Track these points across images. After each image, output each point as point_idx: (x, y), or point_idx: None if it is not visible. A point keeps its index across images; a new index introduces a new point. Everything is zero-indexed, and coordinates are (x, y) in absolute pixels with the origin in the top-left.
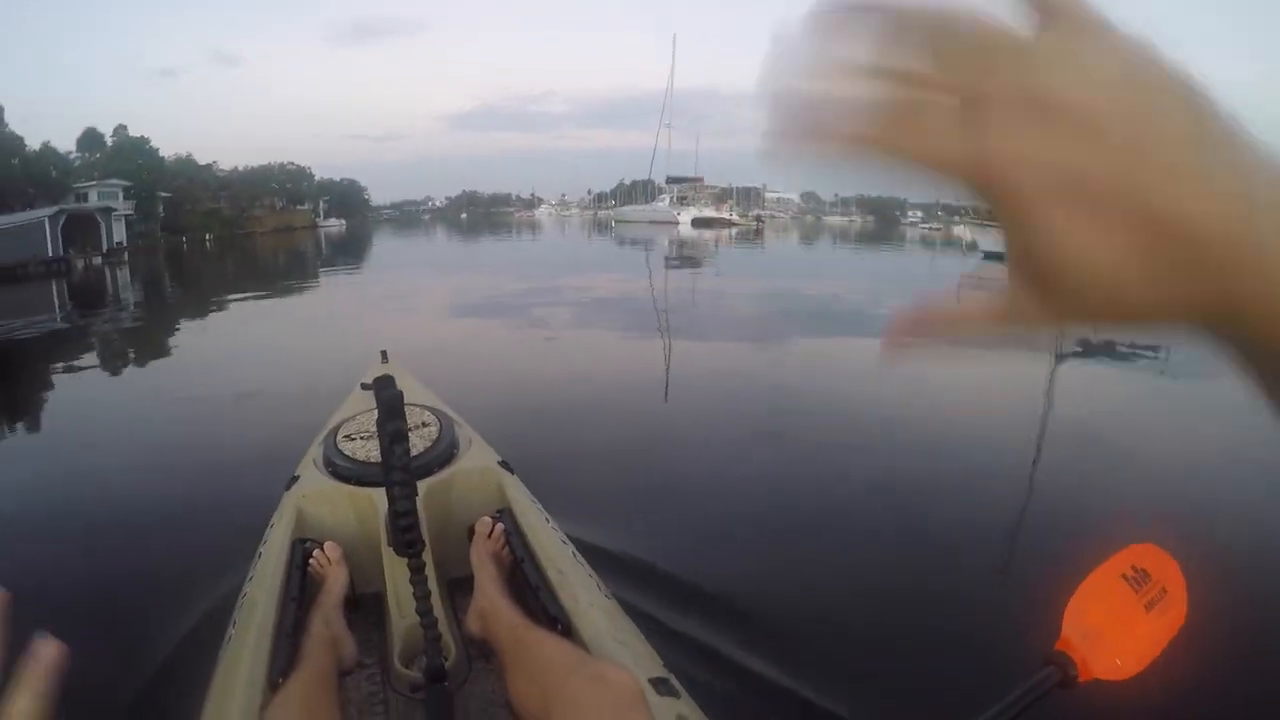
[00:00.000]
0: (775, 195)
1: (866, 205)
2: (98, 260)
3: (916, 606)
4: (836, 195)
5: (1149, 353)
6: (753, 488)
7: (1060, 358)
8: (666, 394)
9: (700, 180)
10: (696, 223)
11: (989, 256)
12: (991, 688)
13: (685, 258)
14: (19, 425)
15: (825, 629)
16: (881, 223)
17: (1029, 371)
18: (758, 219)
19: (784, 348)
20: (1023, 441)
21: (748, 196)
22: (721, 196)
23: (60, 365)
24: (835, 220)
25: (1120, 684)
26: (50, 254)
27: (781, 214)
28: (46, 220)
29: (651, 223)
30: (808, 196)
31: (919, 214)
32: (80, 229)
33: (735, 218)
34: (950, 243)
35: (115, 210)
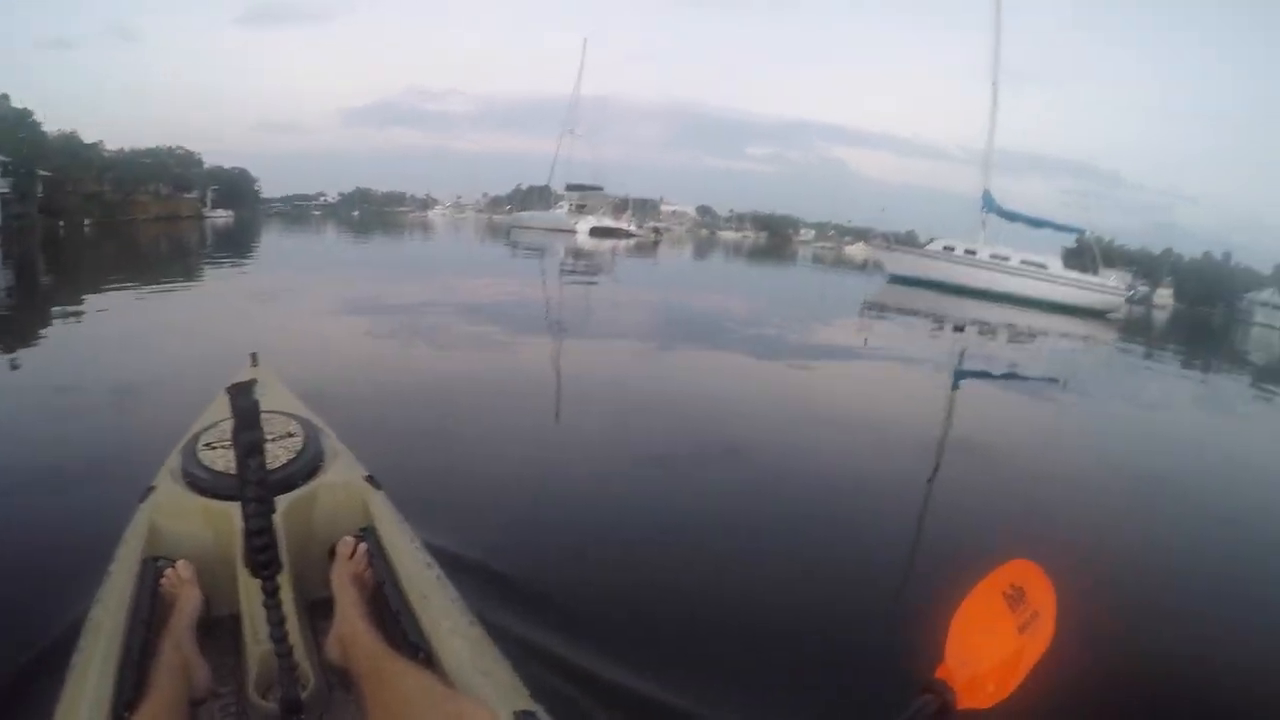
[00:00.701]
0: (671, 208)
1: (760, 221)
2: None
3: (802, 630)
4: (731, 210)
5: (1047, 379)
6: (636, 506)
7: (959, 376)
8: (556, 410)
9: (600, 189)
10: (595, 232)
11: (896, 280)
12: (872, 717)
13: (581, 268)
14: None
15: (705, 654)
16: (774, 239)
17: (924, 388)
18: (655, 231)
19: (675, 362)
20: (917, 459)
21: (644, 208)
22: (620, 207)
23: None
24: (729, 235)
25: (990, 710)
26: None
27: (677, 226)
28: None
29: (549, 230)
30: (703, 210)
31: (811, 232)
32: None
33: (633, 229)
34: (841, 261)
35: None
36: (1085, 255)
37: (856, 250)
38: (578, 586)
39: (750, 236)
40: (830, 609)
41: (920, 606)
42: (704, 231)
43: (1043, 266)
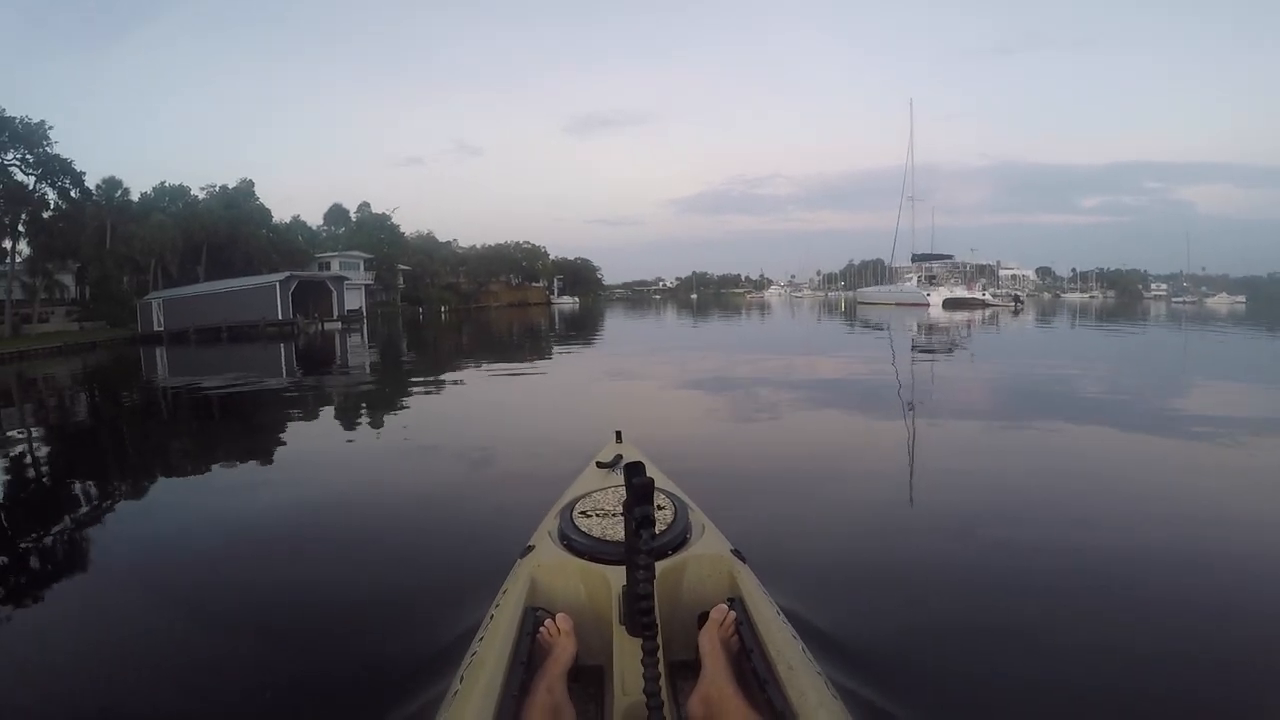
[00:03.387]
0: (1010, 272)
1: (1105, 279)
2: (334, 325)
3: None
4: (1074, 270)
5: None
6: (1006, 597)
7: None
8: (910, 493)
9: (950, 257)
10: (949, 304)
11: None
12: None
13: (942, 345)
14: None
15: None
16: (1123, 296)
17: None
18: (1016, 299)
19: (1054, 448)
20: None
21: (981, 274)
22: (971, 275)
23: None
24: (1074, 297)
25: None
26: (279, 317)
27: (1019, 291)
28: (278, 285)
29: (898, 304)
30: (1043, 272)
31: (1164, 286)
32: (312, 295)
33: (988, 298)
34: (1204, 315)
35: (348, 279)
36: None
37: (1219, 302)
38: (933, 662)
39: (1098, 296)
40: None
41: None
42: (1047, 294)
43: None
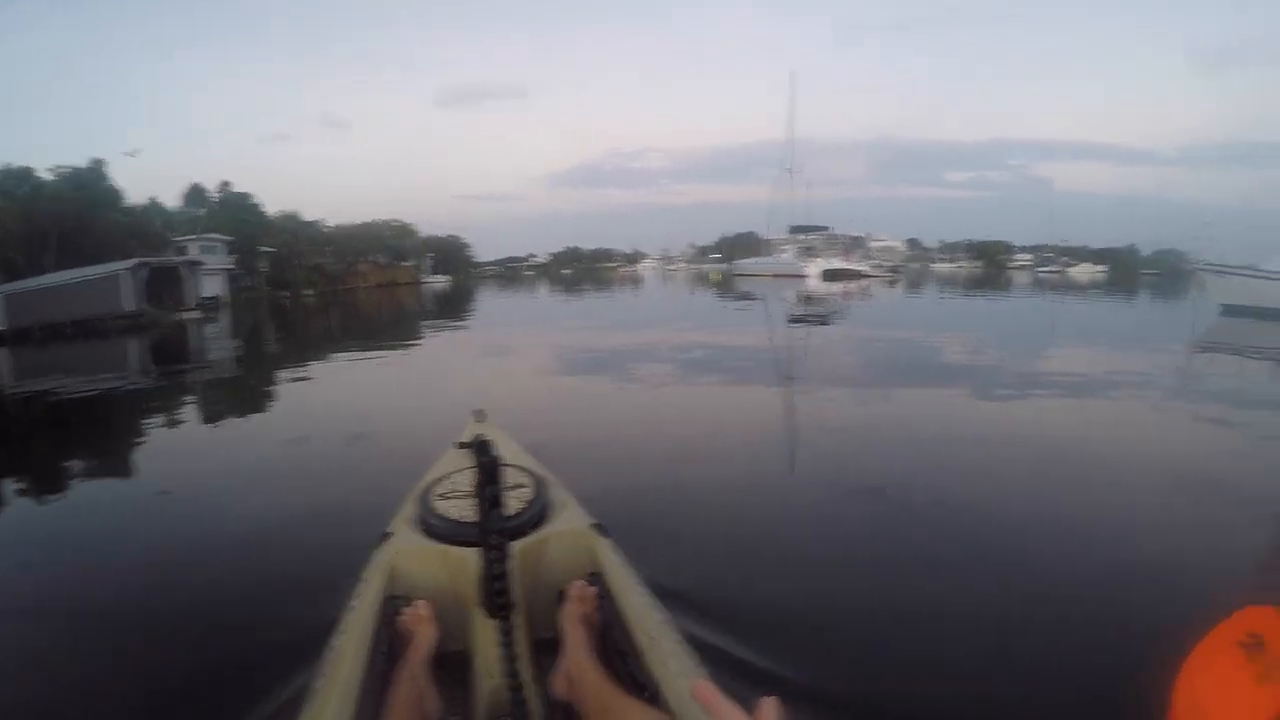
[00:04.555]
0: (879, 243)
1: (972, 249)
2: (191, 314)
3: (1020, 688)
4: (941, 241)
5: None
6: (861, 550)
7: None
8: (784, 461)
9: (826, 229)
10: (827, 275)
11: (1231, 312)
12: None
13: (819, 315)
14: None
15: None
16: (989, 266)
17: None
18: (893, 269)
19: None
20: (1142, 492)
21: (856, 245)
22: (848, 246)
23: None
24: (943, 267)
25: None
26: (131, 307)
27: (889, 261)
28: (123, 273)
29: (775, 276)
30: (912, 243)
31: (1028, 257)
32: (166, 283)
33: (867, 269)
34: (1069, 285)
35: (204, 264)
36: None
37: (1081, 271)
38: (801, 628)
39: (965, 266)
40: (1048, 659)
41: (1141, 658)
42: (915, 265)
43: None
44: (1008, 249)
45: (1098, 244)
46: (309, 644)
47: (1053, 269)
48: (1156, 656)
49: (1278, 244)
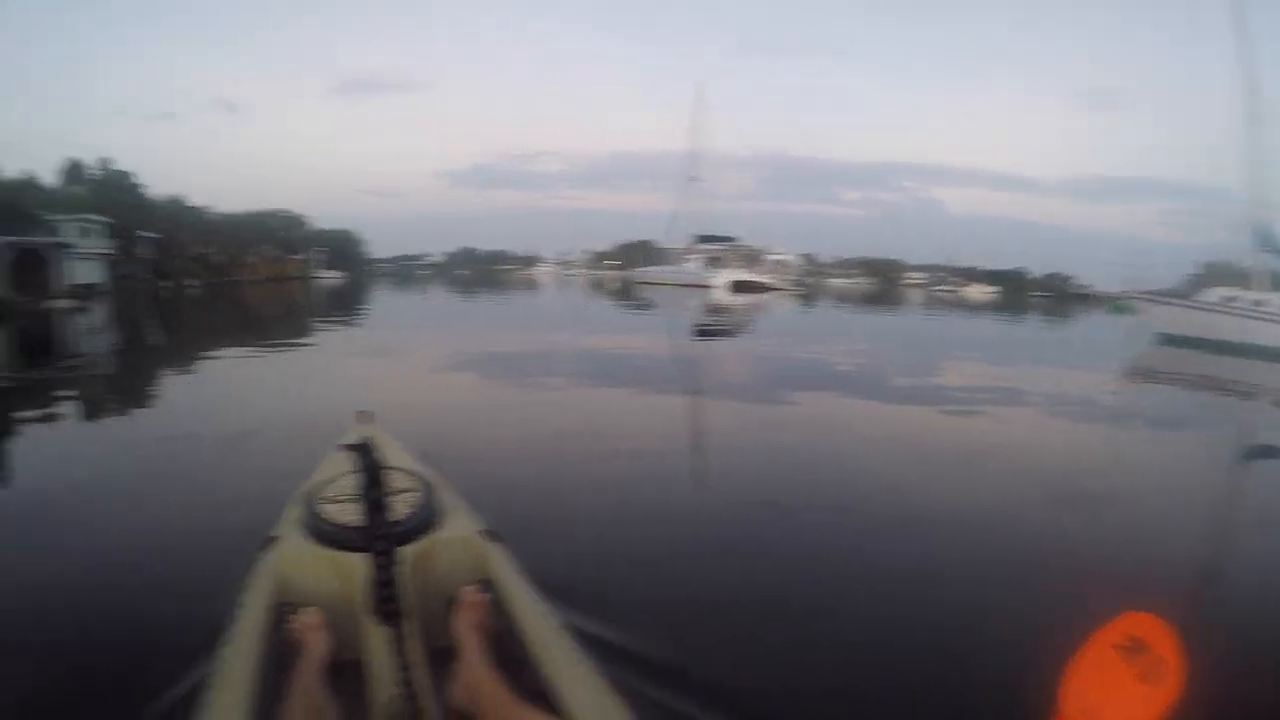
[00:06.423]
0: (775, 256)
1: (867, 266)
2: (62, 302)
3: (913, 689)
4: (835, 256)
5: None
6: (756, 552)
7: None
8: (683, 468)
9: (734, 239)
10: (735, 286)
11: (1167, 341)
12: None
13: (727, 327)
14: None
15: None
16: (883, 283)
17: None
18: (801, 283)
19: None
20: (1011, 496)
21: (755, 258)
22: (753, 258)
23: None
24: (838, 282)
25: None
26: None
27: (785, 274)
28: None
29: (680, 286)
30: (807, 258)
31: (921, 275)
32: (33, 268)
33: (774, 282)
34: (964, 304)
35: (75, 247)
36: None
37: (974, 291)
38: (690, 633)
39: (859, 282)
40: (938, 664)
41: (1030, 662)
42: (811, 279)
43: None
44: (900, 266)
45: (988, 265)
46: (192, 656)
47: (947, 288)
48: (1042, 660)
49: (1150, 269)
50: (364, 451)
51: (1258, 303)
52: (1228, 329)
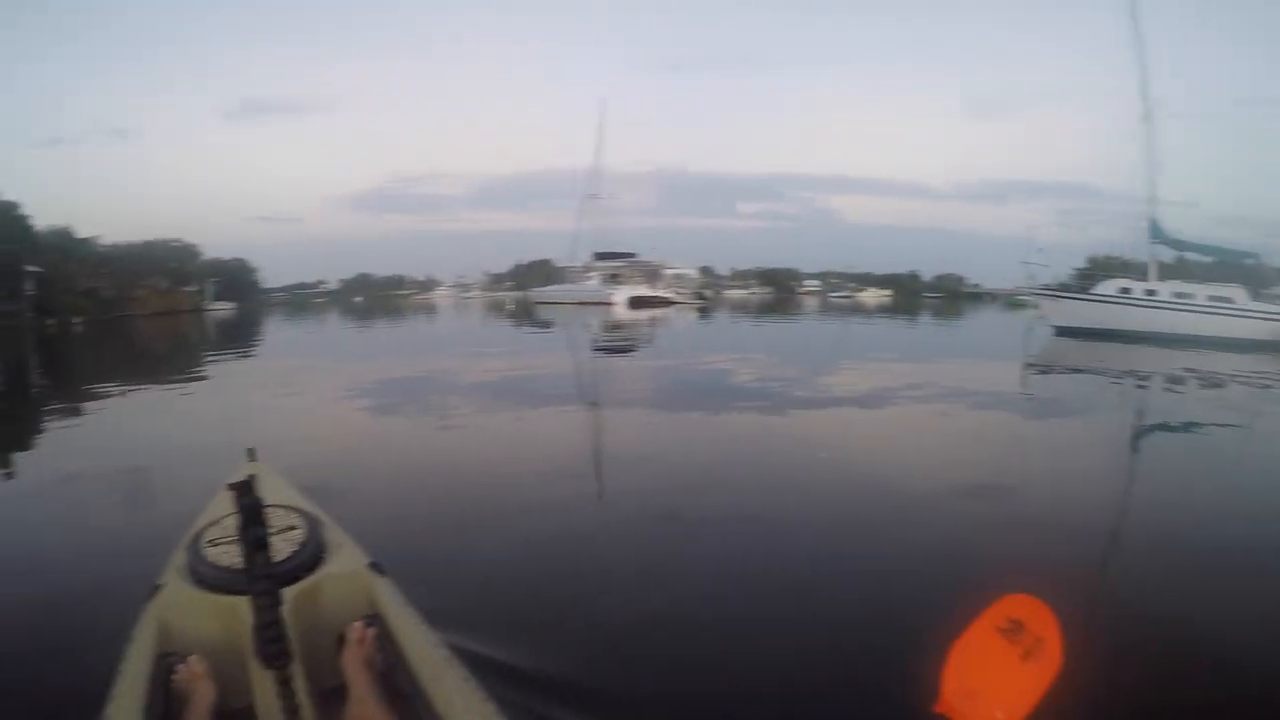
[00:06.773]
0: (673, 271)
1: (763, 276)
2: None
3: (802, 676)
4: (733, 269)
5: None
6: (644, 570)
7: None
8: (584, 485)
9: (633, 255)
10: (634, 302)
11: (1065, 333)
12: None
13: (624, 342)
14: None
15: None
16: (780, 292)
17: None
18: (701, 296)
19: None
20: (899, 491)
21: (651, 273)
22: (652, 274)
23: None
24: (736, 293)
25: None
26: None
27: (685, 288)
28: None
29: (580, 304)
30: (705, 271)
31: (816, 283)
32: None
33: (673, 295)
34: (860, 309)
35: None
36: (1257, 280)
37: (869, 296)
38: (585, 651)
39: (756, 293)
40: (827, 652)
41: (912, 643)
42: (709, 291)
43: (1229, 300)
44: (796, 275)
45: (881, 270)
46: (75, 716)
47: (844, 294)
48: (924, 644)
49: (1044, 267)
50: (243, 490)
51: (1150, 292)
52: (1122, 319)
